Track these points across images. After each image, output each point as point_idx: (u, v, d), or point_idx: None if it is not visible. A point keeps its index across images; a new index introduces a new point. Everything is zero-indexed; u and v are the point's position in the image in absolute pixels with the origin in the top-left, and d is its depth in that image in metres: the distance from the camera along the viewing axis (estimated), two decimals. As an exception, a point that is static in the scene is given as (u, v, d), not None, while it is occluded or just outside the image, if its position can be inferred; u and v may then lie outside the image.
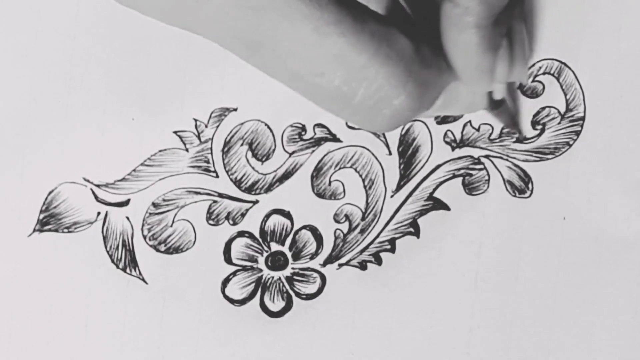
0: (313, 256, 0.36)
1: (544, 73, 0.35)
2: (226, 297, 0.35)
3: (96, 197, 0.35)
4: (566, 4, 0.35)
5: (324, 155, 0.35)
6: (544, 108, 0.35)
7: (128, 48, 0.34)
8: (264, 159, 0.35)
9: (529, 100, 0.35)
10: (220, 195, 0.35)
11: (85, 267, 0.35)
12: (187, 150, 0.35)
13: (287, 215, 0.35)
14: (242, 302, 0.35)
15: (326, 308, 0.36)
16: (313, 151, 0.35)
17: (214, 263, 0.35)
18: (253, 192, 0.35)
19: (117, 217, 0.35)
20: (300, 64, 0.25)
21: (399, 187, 0.35)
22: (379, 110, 0.26)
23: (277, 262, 0.36)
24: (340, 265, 0.36)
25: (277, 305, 0.36)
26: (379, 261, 0.36)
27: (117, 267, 0.35)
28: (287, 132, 0.35)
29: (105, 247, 0.35)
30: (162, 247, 0.35)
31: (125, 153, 0.35)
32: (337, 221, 0.35)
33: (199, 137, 0.35)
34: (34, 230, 0.35)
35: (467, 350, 0.36)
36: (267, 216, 0.35)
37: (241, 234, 0.35)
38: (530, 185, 0.35)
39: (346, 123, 0.35)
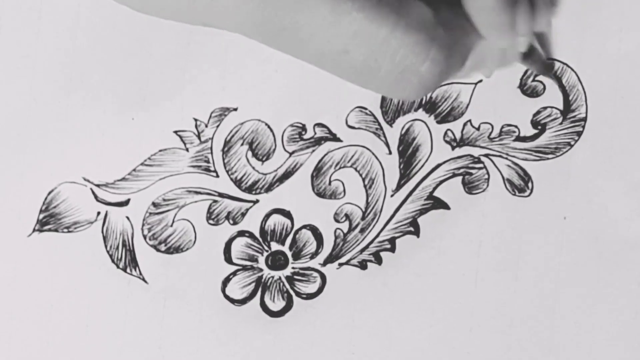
0: (313, 256, 0.36)
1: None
2: (226, 297, 0.35)
3: (96, 197, 0.35)
4: (568, 6, 0.35)
5: (324, 155, 0.35)
6: (544, 108, 0.35)
7: (128, 48, 0.34)
8: (264, 159, 0.35)
9: (528, 99, 0.35)
10: (221, 195, 0.35)
11: (85, 267, 0.35)
12: (187, 150, 0.35)
13: (287, 214, 0.35)
14: (242, 301, 0.36)
15: (326, 307, 0.36)
16: (313, 151, 0.35)
17: (214, 263, 0.35)
18: (253, 192, 0.35)
19: (117, 216, 0.35)
20: (323, 44, 0.25)
21: (399, 186, 0.35)
22: (406, 80, 0.27)
23: (277, 261, 0.36)
24: (341, 264, 0.36)
25: (277, 304, 0.36)
26: (379, 260, 0.36)
27: (118, 267, 0.35)
28: (287, 132, 0.35)
29: (106, 247, 0.35)
30: (163, 247, 0.35)
31: (125, 153, 0.35)
32: (337, 220, 0.35)
33: (199, 136, 0.35)
34: (34, 230, 0.35)
35: (467, 350, 0.36)
36: (268, 216, 0.35)
37: (241, 233, 0.35)
38: (530, 184, 0.35)
39: (346, 123, 0.35)
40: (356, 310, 0.36)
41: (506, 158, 0.35)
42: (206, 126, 0.35)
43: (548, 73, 0.34)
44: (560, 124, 0.35)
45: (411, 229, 0.36)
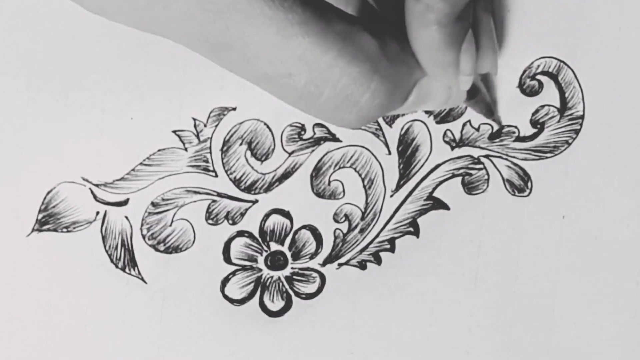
0: (313, 256, 0.36)
1: (542, 72, 0.35)
2: (225, 297, 0.35)
3: (95, 197, 0.35)
4: (565, 2, 0.35)
5: (324, 155, 0.35)
6: (542, 106, 0.35)
7: (126, 47, 0.34)
8: (263, 159, 0.35)
9: (527, 99, 0.35)
10: (220, 195, 0.35)
11: (84, 266, 0.35)
12: (186, 149, 0.35)
13: (286, 214, 0.35)
14: (241, 301, 0.35)
15: (326, 308, 0.36)
16: (312, 151, 0.35)
17: (214, 263, 0.35)
18: (252, 192, 0.35)
19: (116, 216, 0.35)
20: (267, 65, 0.26)
21: (398, 186, 0.35)
22: (345, 108, 0.27)
23: (276, 261, 0.36)
24: (340, 265, 0.36)
25: (276, 304, 0.36)
26: (378, 261, 0.36)
27: (117, 266, 0.35)
28: (286, 132, 0.35)
29: (105, 246, 0.35)
30: (161, 247, 0.35)
31: (124, 152, 0.35)
32: (336, 221, 0.35)
33: (197, 136, 0.35)
34: (33, 230, 0.35)
35: (466, 350, 0.36)
36: (267, 216, 0.35)
37: (240, 233, 0.35)
38: (529, 184, 0.35)
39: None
40: (356, 310, 0.36)
41: (506, 159, 0.35)
42: (205, 126, 0.35)
43: (491, 116, 0.34)
44: (558, 122, 0.35)
45: (411, 229, 0.35)
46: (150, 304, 0.35)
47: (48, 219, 0.35)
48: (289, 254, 0.36)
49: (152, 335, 0.35)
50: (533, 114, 0.35)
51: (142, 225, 0.35)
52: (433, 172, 0.35)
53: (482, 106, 0.34)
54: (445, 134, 0.35)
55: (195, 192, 0.35)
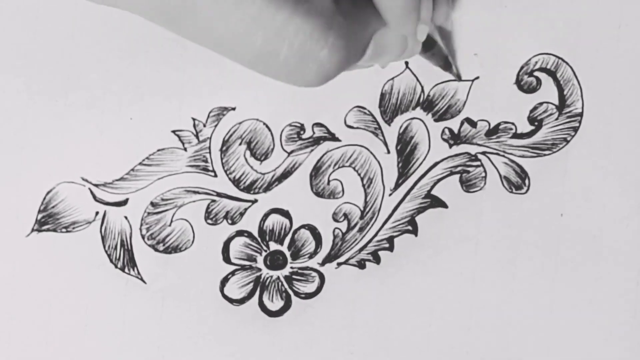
0: (312, 255, 0.36)
1: (540, 68, 0.35)
2: (225, 297, 0.35)
3: (94, 197, 0.35)
4: (565, 0, 0.35)
5: (323, 155, 0.35)
6: (541, 103, 0.35)
7: (126, 48, 0.35)
8: (262, 158, 0.35)
9: (525, 95, 0.35)
10: (219, 195, 0.35)
11: (83, 266, 0.35)
12: (185, 149, 0.35)
13: (285, 214, 0.35)
14: (241, 301, 0.35)
15: (325, 307, 0.36)
16: (312, 150, 0.35)
17: (213, 262, 0.35)
18: (252, 192, 0.35)
19: (115, 216, 0.35)
20: (221, 29, 0.25)
21: (397, 185, 0.35)
22: (305, 66, 0.27)
23: (275, 261, 0.36)
24: (339, 264, 0.36)
25: (276, 304, 0.36)
26: (377, 260, 0.36)
27: (116, 266, 0.35)
28: (285, 131, 0.35)
29: (104, 246, 0.35)
30: (161, 247, 0.35)
31: (123, 152, 0.35)
32: (335, 220, 0.35)
33: (197, 136, 0.35)
34: (32, 230, 0.35)
35: (465, 349, 0.36)
36: (266, 215, 0.35)
37: (240, 233, 0.35)
38: (527, 181, 0.35)
39: (344, 122, 0.35)
40: (355, 309, 0.36)
41: (503, 155, 0.35)
42: (204, 126, 0.35)
43: (449, 68, 0.34)
44: (556, 119, 0.35)
45: (409, 227, 0.36)
46: (149, 304, 0.35)
47: (47, 219, 0.35)
48: (288, 254, 0.36)
49: (152, 335, 0.35)
50: (531, 111, 0.35)
51: (141, 225, 0.35)
52: (431, 170, 0.35)
53: (438, 58, 0.34)
54: (443, 131, 0.35)
55: (195, 192, 0.35)
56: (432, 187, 0.35)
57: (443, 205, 0.35)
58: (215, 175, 0.35)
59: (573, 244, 0.36)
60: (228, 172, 0.35)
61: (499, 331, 0.36)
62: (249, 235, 0.35)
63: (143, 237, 0.35)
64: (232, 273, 0.35)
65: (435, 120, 0.35)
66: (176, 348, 0.35)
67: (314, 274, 0.36)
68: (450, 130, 0.35)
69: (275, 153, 0.35)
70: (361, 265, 0.36)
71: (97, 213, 0.35)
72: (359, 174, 0.35)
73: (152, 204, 0.35)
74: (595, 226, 0.36)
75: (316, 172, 0.35)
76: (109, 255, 0.35)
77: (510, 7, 0.35)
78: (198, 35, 0.26)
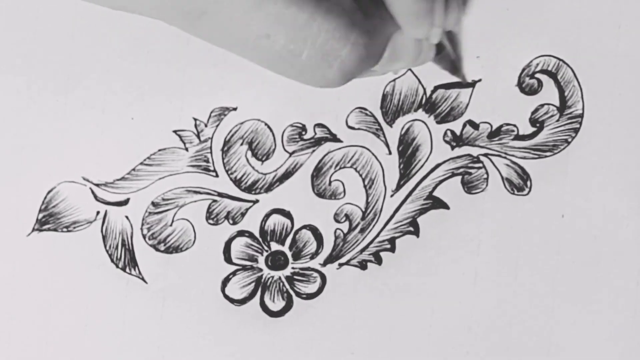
0: (313, 256, 0.36)
1: (541, 70, 0.35)
2: (226, 297, 0.35)
3: (95, 197, 0.35)
4: (565, 1, 0.35)
5: (324, 155, 0.35)
6: (542, 105, 0.35)
7: (127, 47, 0.34)
8: (263, 159, 0.35)
9: (526, 97, 0.35)
10: (220, 195, 0.35)
11: (84, 266, 0.35)
12: (186, 149, 0.35)
13: (287, 214, 0.35)
14: (242, 301, 0.35)
15: (326, 308, 0.36)
16: (313, 151, 0.35)
17: (214, 262, 0.35)
18: (253, 192, 0.35)
19: (116, 216, 0.35)
20: (243, 28, 0.25)
21: (398, 186, 0.36)
22: (327, 65, 0.27)
23: (277, 261, 0.36)
24: (341, 264, 0.36)
25: (277, 304, 0.36)
26: (379, 261, 0.36)
27: (117, 266, 0.35)
28: (287, 132, 0.35)
29: (105, 246, 0.35)
30: (162, 247, 0.35)
31: (124, 152, 0.35)
32: (337, 221, 0.35)
33: (198, 136, 0.35)
34: (33, 230, 0.35)
35: (466, 349, 0.36)
36: (267, 216, 0.35)
37: (241, 233, 0.35)
38: (528, 183, 0.36)
39: (346, 123, 0.35)
40: (356, 310, 0.36)
41: (505, 157, 0.36)
42: (206, 126, 0.35)
43: (456, 72, 0.35)
44: (557, 120, 0.36)
45: (411, 228, 0.36)
46: (150, 304, 0.35)
47: (48, 219, 0.35)
48: (289, 254, 0.36)
49: (152, 335, 0.35)
50: (532, 113, 0.35)
51: (142, 225, 0.35)
52: (433, 171, 0.36)
53: (446, 62, 0.34)
54: (445, 133, 0.35)
55: (196, 192, 0.35)
56: (434, 188, 0.36)
57: (445, 206, 0.36)
58: (217, 176, 0.35)
59: (574, 244, 0.36)
60: (229, 172, 0.35)
61: (500, 332, 0.36)
62: (250, 235, 0.35)
63: (144, 237, 0.35)
64: (234, 273, 0.35)
65: (438, 123, 0.35)
66: (177, 348, 0.35)
67: (315, 274, 0.36)
68: (453, 132, 0.35)
69: (277, 153, 0.35)
70: (363, 266, 0.36)
71: (98, 213, 0.35)
72: (361, 175, 0.35)
73: (153, 203, 0.35)
74: (596, 227, 0.36)
75: (317, 172, 0.35)
76: (109, 255, 0.35)
77: (511, 10, 0.35)
78: (218, 36, 0.26)
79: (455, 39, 0.35)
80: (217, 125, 0.35)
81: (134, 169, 0.35)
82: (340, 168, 0.35)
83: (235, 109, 0.35)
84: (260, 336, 0.35)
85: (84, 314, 0.35)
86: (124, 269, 0.35)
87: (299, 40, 0.26)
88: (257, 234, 0.35)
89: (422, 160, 0.35)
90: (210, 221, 0.35)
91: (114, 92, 0.35)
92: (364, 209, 0.35)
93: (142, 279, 0.35)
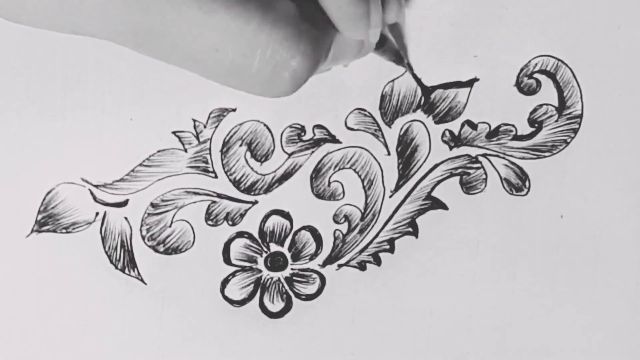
0: (312, 257, 0.36)
1: (540, 70, 0.35)
2: (225, 298, 0.35)
3: (94, 198, 0.35)
4: (563, 1, 0.35)
5: (324, 156, 0.35)
6: (541, 105, 0.35)
7: (127, 48, 0.34)
8: (263, 160, 0.35)
9: (525, 97, 0.36)
10: (219, 196, 0.35)
11: (83, 267, 0.35)
12: (185, 150, 0.35)
13: (286, 215, 0.35)
14: (241, 302, 0.35)
15: (326, 308, 0.36)
16: (312, 152, 0.35)
17: (213, 263, 0.35)
18: (252, 193, 0.35)
19: (115, 217, 0.35)
20: (191, 44, 0.25)
21: (397, 187, 0.36)
22: (278, 75, 0.27)
23: (276, 262, 0.36)
24: (340, 265, 0.36)
25: (276, 305, 0.36)
26: (378, 261, 0.36)
27: (116, 267, 0.35)
28: (286, 133, 0.35)
29: (104, 247, 0.35)
30: (161, 248, 0.35)
31: (123, 153, 0.35)
32: (336, 222, 0.35)
33: (197, 137, 0.35)
34: (32, 231, 0.35)
35: (466, 350, 0.36)
36: (267, 217, 0.35)
37: (240, 234, 0.35)
38: (527, 183, 0.36)
39: (345, 124, 0.35)
40: (355, 311, 0.36)
41: (503, 157, 0.36)
42: (205, 127, 0.35)
43: (401, 62, 0.35)
44: (556, 121, 0.36)
45: (410, 229, 0.36)
46: (150, 305, 0.35)
47: (47, 220, 0.35)
48: (288, 255, 0.36)
49: (152, 336, 0.35)
50: (531, 113, 0.35)
51: (141, 226, 0.35)
52: (432, 172, 0.36)
53: (390, 54, 0.34)
54: (444, 133, 0.35)
55: (195, 193, 0.35)
56: (433, 188, 0.36)
57: (443, 207, 0.36)
58: (216, 177, 0.35)
59: (573, 245, 0.36)
60: (228, 173, 0.35)
61: (499, 332, 0.36)
62: (250, 236, 0.35)
63: (143, 238, 0.35)
64: (233, 274, 0.35)
65: (436, 123, 0.35)
66: (176, 349, 0.35)
67: (314, 275, 0.36)
68: (451, 132, 0.35)
69: (276, 154, 0.35)
70: (362, 266, 0.36)
71: (97, 214, 0.35)
72: (360, 176, 0.35)
73: (153, 205, 0.35)
74: (595, 227, 0.36)
75: (317, 173, 0.35)
76: (109, 256, 0.35)
77: (510, 9, 0.35)
78: (168, 54, 0.26)
79: (398, 29, 0.35)
80: (216, 126, 0.35)
81: (133, 170, 0.35)
82: (339, 169, 0.35)
83: (234, 110, 0.35)
84: (259, 337, 0.35)
85: (84, 315, 0.35)
86: (123, 270, 0.35)
87: (248, 52, 0.26)
88: (256, 235, 0.35)
89: (421, 160, 0.36)
90: (210, 222, 0.35)
91: (114, 93, 0.35)
92: (363, 210, 0.35)
93: (142, 280, 0.35)
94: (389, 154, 0.35)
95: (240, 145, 0.35)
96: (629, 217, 0.36)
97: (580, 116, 0.36)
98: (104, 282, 0.35)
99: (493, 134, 0.35)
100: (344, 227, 0.35)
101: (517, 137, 0.36)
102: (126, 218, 0.35)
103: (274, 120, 0.35)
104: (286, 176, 0.35)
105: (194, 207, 0.35)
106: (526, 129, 0.36)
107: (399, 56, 0.35)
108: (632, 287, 0.36)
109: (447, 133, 0.35)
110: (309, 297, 0.36)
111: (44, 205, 0.35)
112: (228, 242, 0.35)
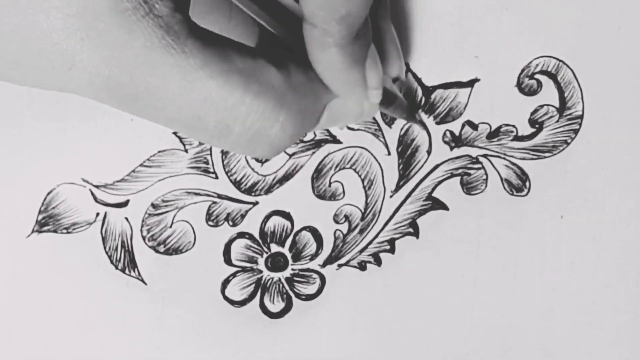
0: (313, 257, 0.36)
1: (541, 71, 0.35)
2: (226, 298, 0.35)
3: (95, 198, 0.35)
4: (564, 1, 0.35)
5: (324, 157, 0.35)
6: (541, 106, 0.36)
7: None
8: (263, 160, 0.35)
9: (526, 98, 0.36)
10: (220, 197, 0.35)
11: (84, 268, 0.35)
12: (186, 151, 0.35)
13: (287, 216, 0.35)
14: (242, 303, 0.35)
15: (326, 309, 0.36)
16: (313, 153, 0.35)
17: (214, 264, 0.35)
18: (253, 193, 0.35)
19: (116, 217, 0.35)
20: (176, 110, 0.26)
21: (398, 187, 0.36)
22: (257, 142, 0.27)
23: (277, 263, 0.36)
24: (340, 265, 0.36)
25: (277, 306, 0.36)
26: (378, 262, 0.36)
27: (117, 268, 0.35)
28: (286, 133, 0.35)
29: (105, 248, 0.35)
30: (162, 248, 0.35)
31: (124, 154, 0.35)
32: (336, 222, 0.35)
33: (198, 138, 0.35)
34: (33, 231, 0.35)
35: (466, 351, 0.36)
36: (267, 217, 0.35)
37: (241, 235, 0.35)
38: (527, 184, 0.36)
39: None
40: (356, 311, 0.36)
41: (504, 158, 0.36)
42: (206, 127, 0.35)
43: (412, 119, 0.35)
44: (557, 121, 0.36)
45: (410, 229, 0.36)
46: (150, 306, 0.35)
47: (48, 220, 0.35)
48: (289, 255, 0.36)
49: (152, 336, 0.35)
50: (532, 114, 0.35)
51: (142, 226, 0.35)
52: (432, 172, 0.36)
53: (401, 111, 0.34)
54: (444, 134, 0.35)
55: (196, 194, 0.35)
56: (433, 189, 0.36)
57: (444, 207, 0.36)
58: (217, 177, 0.35)
59: (573, 245, 0.36)
60: (229, 173, 0.35)
61: (499, 333, 0.36)
62: (250, 237, 0.35)
63: (144, 238, 0.35)
64: (233, 275, 0.35)
65: (437, 123, 0.35)
66: (176, 350, 0.35)
67: (315, 275, 0.36)
68: (452, 132, 0.35)
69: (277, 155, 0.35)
70: (362, 267, 0.36)
71: (97, 214, 0.35)
72: (360, 176, 0.35)
73: (153, 205, 0.35)
74: (596, 228, 0.36)
75: (318, 174, 0.35)
76: (109, 257, 0.35)
77: (511, 9, 0.35)
78: (152, 117, 0.27)
79: (406, 86, 0.35)
80: (216, 127, 0.35)
81: (133, 171, 0.35)
82: (339, 169, 0.35)
83: (234, 110, 0.35)
84: (260, 337, 0.35)
85: (84, 315, 0.35)
86: (123, 271, 0.35)
87: (229, 121, 0.26)
88: (257, 236, 0.35)
89: (422, 161, 0.36)
90: (210, 223, 0.35)
91: (114, 93, 0.35)
92: (363, 210, 0.36)
93: (142, 280, 0.35)
94: (389, 154, 0.35)
95: (241, 146, 0.35)
96: (629, 217, 0.36)
97: (581, 117, 0.36)
98: (105, 282, 0.35)
99: (494, 134, 0.35)
100: (344, 227, 0.36)
101: (517, 138, 0.36)
102: (127, 218, 0.35)
103: (275, 121, 0.35)
104: (287, 177, 0.35)
105: (195, 207, 0.35)
106: (527, 130, 0.36)
107: (409, 113, 0.34)
108: (632, 288, 0.36)
109: (447, 133, 0.35)
110: (309, 297, 0.36)
111: (45, 206, 0.35)
112: (229, 243, 0.35)
